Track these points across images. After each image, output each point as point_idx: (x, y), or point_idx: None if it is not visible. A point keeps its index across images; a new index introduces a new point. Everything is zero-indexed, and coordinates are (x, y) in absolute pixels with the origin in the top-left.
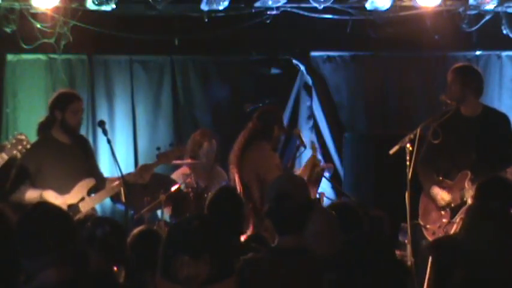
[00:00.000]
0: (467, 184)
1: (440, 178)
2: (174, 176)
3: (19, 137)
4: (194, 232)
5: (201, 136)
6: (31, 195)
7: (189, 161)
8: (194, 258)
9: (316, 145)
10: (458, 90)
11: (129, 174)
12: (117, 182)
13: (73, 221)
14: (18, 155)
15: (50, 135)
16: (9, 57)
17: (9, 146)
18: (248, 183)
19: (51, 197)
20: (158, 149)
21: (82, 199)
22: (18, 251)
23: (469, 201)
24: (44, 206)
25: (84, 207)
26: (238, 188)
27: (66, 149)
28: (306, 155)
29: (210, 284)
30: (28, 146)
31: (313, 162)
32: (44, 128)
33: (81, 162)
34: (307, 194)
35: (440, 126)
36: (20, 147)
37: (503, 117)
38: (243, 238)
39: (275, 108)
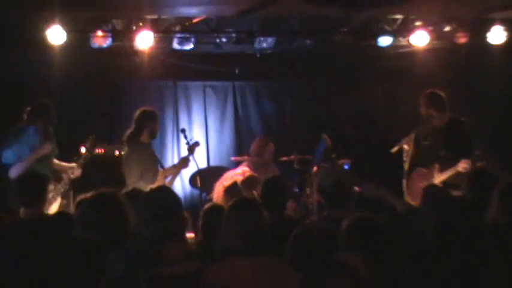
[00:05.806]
0: (435, 174)
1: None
2: (229, 174)
3: (73, 173)
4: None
5: (264, 141)
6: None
7: (247, 157)
8: None
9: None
10: (424, 111)
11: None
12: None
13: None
14: (57, 197)
15: (140, 140)
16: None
17: (61, 188)
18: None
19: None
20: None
21: None
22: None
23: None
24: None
25: None
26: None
27: (150, 149)
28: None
29: None
30: (67, 187)
31: None
32: (134, 136)
33: (156, 158)
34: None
35: (424, 132)
36: (61, 188)
37: (463, 123)
38: None
39: None
